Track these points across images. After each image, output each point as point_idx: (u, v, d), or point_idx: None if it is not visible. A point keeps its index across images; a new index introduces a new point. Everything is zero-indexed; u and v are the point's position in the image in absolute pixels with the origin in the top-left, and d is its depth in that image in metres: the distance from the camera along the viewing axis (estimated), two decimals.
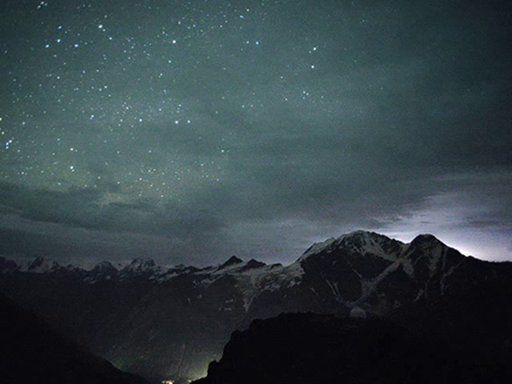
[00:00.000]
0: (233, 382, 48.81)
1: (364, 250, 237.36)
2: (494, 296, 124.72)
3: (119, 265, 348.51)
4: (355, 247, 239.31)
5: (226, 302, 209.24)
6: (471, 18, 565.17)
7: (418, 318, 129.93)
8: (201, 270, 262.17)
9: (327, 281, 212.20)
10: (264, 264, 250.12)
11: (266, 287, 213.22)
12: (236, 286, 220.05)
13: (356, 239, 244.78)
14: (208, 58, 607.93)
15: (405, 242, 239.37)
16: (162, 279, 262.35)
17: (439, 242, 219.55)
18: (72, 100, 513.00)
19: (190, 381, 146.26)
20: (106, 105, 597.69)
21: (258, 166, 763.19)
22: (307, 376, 46.08)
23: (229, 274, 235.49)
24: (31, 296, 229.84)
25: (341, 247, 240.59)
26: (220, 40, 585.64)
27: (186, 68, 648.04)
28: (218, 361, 57.41)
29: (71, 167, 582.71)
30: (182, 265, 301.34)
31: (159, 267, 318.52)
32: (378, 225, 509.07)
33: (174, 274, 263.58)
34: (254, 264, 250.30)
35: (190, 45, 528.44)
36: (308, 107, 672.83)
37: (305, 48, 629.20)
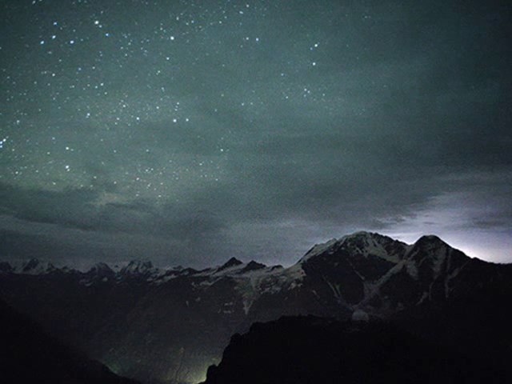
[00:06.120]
0: None
1: (366, 251, 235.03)
2: (499, 298, 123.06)
3: (116, 266, 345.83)
4: (357, 248, 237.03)
5: (226, 304, 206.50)
6: (476, 15, 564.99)
7: (422, 321, 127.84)
8: (199, 271, 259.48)
9: (329, 283, 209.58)
10: (264, 266, 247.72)
11: (267, 289, 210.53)
12: (235, 288, 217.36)
13: (358, 240, 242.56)
14: (207, 54, 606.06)
15: (408, 243, 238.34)
16: (159, 281, 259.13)
17: (443, 243, 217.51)
18: (68, 98, 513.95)
19: None
20: (102, 103, 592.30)
21: (257, 165, 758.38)
22: (308, 380, 44.51)
23: (228, 275, 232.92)
24: (26, 298, 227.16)
25: (343, 248, 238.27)
26: (219, 36, 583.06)
27: (184, 65, 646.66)
28: (217, 365, 57.11)
29: (67, 167, 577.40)
30: (180, 266, 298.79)
31: (157, 269, 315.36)
32: (381, 225, 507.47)
33: (172, 276, 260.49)
34: (253, 266, 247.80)
35: (188, 41, 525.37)
36: (309, 105, 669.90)
37: (306, 44, 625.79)
